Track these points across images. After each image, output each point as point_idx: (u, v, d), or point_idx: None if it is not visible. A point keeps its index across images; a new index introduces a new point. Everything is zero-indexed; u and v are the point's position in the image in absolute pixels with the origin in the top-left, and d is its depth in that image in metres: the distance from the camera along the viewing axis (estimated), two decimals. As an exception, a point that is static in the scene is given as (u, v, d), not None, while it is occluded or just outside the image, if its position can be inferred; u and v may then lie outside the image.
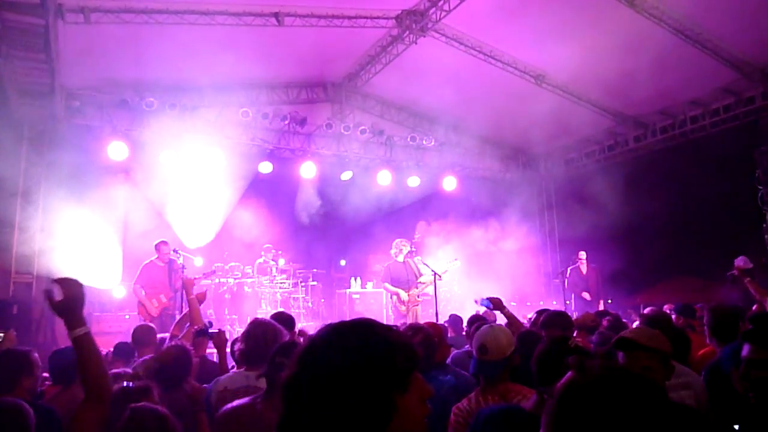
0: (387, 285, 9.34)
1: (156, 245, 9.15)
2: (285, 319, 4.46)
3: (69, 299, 2.22)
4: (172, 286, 8.94)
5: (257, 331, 3.51)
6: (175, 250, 9.12)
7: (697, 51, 9.76)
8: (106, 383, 2.28)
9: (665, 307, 8.48)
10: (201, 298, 5.15)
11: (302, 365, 1.21)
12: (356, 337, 1.22)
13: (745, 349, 2.40)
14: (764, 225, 10.78)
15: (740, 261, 6.09)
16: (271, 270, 11.37)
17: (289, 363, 1.24)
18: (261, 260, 11.52)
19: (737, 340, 3.34)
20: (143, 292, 8.82)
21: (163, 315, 8.76)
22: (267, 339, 3.40)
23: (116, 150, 10.51)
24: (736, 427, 2.58)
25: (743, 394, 2.73)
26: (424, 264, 9.27)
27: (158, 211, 11.30)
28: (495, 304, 5.13)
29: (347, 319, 1.32)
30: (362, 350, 1.19)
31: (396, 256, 9.43)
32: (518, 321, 5.06)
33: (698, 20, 9.29)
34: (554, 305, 12.25)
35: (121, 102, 10.48)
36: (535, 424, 2.12)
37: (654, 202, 10.75)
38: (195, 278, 7.78)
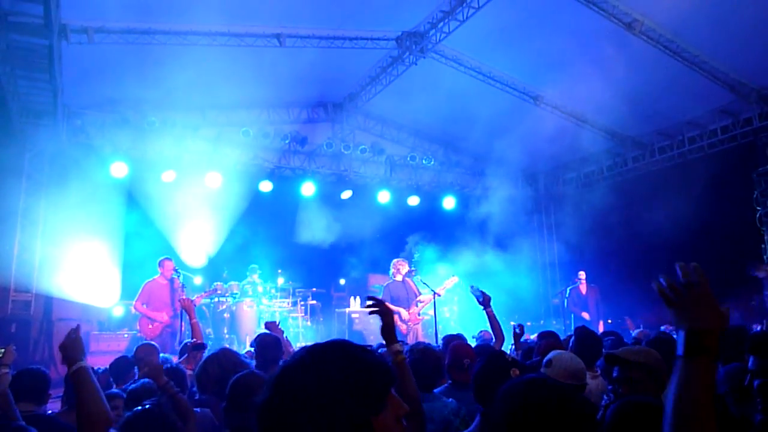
0: (387, 305, 9.30)
1: (160, 262, 9.13)
2: (271, 342, 4.45)
3: (68, 341, 2.32)
4: (173, 305, 8.90)
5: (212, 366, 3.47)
6: (175, 269, 9.10)
7: (694, 73, 9.87)
8: (100, 418, 2.28)
9: (662, 327, 8.46)
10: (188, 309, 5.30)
11: (276, 389, 1.19)
12: (330, 359, 1.21)
13: (751, 362, 2.48)
14: (763, 246, 10.78)
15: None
16: (259, 289, 11.19)
17: (265, 387, 1.23)
18: (247, 281, 11.31)
19: (738, 363, 3.33)
20: (145, 306, 8.80)
21: (164, 333, 8.72)
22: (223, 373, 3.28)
23: (117, 168, 10.56)
24: None
25: (739, 416, 2.75)
26: (423, 283, 9.26)
27: (158, 230, 11.30)
28: (485, 299, 5.27)
29: (345, 337, 1.33)
30: (337, 372, 1.18)
31: (395, 276, 9.41)
32: (498, 326, 5.20)
33: (694, 42, 9.40)
34: (554, 325, 12.21)
35: (123, 121, 10.56)
36: None
37: (653, 222, 10.75)
38: (194, 300, 7.81)
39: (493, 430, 1.66)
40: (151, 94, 10.09)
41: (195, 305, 8.44)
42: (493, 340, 5.75)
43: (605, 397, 3.33)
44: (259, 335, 4.71)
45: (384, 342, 2.53)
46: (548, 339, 4.74)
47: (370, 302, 2.57)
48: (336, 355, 1.22)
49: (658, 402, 1.80)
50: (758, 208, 10.87)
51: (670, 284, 1.38)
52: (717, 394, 3.10)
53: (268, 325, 5.42)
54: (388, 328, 2.49)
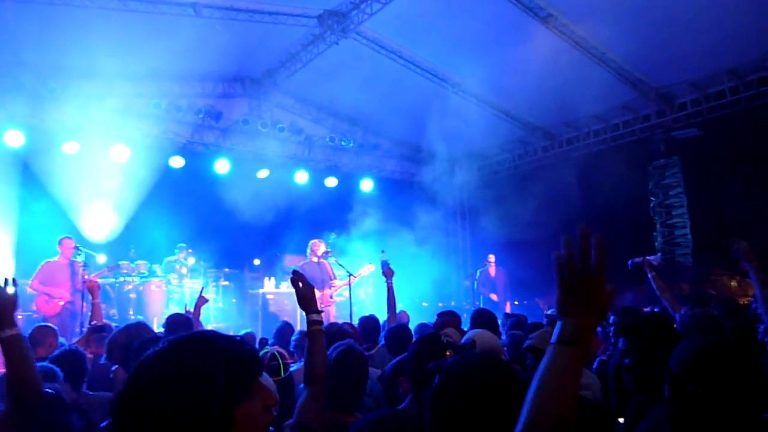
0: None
1: (59, 240, 8.58)
2: (182, 322, 4.34)
3: None
4: (73, 285, 8.41)
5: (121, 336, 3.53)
6: (76, 247, 8.58)
7: (602, 69, 10.43)
8: (32, 389, 2.20)
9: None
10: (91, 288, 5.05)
11: (132, 379, 1.17)
12: (190, 349, 1.20)
13: (620, 342, 2.64)
14: (654, 233, 11.67)
15: (654, 258, 6.55)
16: (179, 269, 10.92)
17: (126, 378, 1.21)
18: (172, 258, 11.02)
19: None
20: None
21: (63, 312, 8.23)
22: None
23: (12, 137, 9.75)
24: (621, 420, 2.82)
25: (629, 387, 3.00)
26: (340, 265, 9.28)
27: (58, 205, 10.57)
28: (387, 272, 5.54)
29: (259, 320, 1.31)
30: (194, 361, 1.17)
31: (311, 257, 9.38)
32: (394, 301, 5.46)
33: (603, 40, 9.92)
34: (464, 306, 12.65)
35: (18, 86, 9.72)
36: (414, 423, 2.22)
37: (560, 209, 11.34)
38: (96, 277, 7.42)
39: (436, 405, 1.69)
40: (51, 59, 9.37)
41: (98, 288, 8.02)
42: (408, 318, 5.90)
43: None
44: (170, 316, 4.55)
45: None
46: (444, 318, 4.98)
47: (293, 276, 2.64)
48: (195, 345, 1.21)
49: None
50: (652, 198, 11.74)
51: (569, 261, 1.38)
52: (616, 366, 3.35)
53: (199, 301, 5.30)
54: (305, 298, 2.59)
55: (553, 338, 1.35)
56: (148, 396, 1.13)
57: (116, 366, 3.39)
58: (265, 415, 1.23)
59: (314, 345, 2.50)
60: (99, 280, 6.22)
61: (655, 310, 6.46)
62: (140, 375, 1.17)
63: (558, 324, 1.36)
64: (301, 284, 2.60)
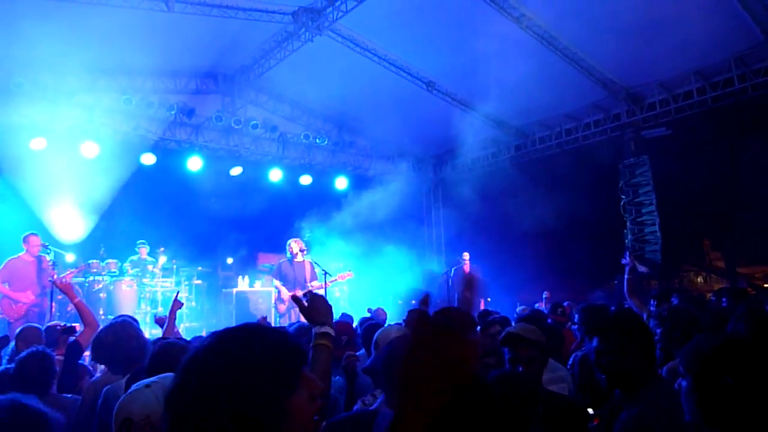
0: (277, 282, 9.32)
1: (24, 237, 8.36)
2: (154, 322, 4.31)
3: None
4: (40, 283, 8.21)
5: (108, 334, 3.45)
6: (45, 245, 8.38)
7: (573, 69, 10.58)
8: None
9: (537, 305, 9.13)
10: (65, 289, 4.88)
11: (185, 375, 1.16)
12: (240, 342, 1.19)
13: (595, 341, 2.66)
14: (624, 231, 11.90)
15: (641, 268, 6.70)
16: (149, 268, 10.75)
17: (175, 374, 1.20)
18: (135, 257, 10.83)
19: None
20: (7, 286, 8.04)
21: (29, 314, 8.02)
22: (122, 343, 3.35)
23: (-25, 133, 9.48)
24: (591, 411, 2.91)
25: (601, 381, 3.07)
26: (315, 263, 9.26)
27: (25, 202, 10.31)
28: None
29: (233, 319, 1.30)
30: (246, 354, 1.16)
31: (288, 255, 9.35)
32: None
33: (575, 41, 10.07)
34: (439, 304, 12.70)
35: (-17, 80, 9.47)
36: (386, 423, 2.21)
37: (533, 207, 11.49)
38: (64, 276, 7.26)
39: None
40: (18, 53, 9.11)
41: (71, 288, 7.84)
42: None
43: None
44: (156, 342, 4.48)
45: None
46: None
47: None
48: (245, 338, 1.21)
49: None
50: (622, 196, 11.96)
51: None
52: (584, 361, 3.42)
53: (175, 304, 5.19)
54: (308, 311, 2.36)
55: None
56: (202, 391, 1.11)
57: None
58: (312, 404, 1.24)
59: (317, 359, 2.21)
60: (72, 279, 6.02)
61: (625, 305, 6.61)
62: (192, 370, 1.16)
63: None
64: (305, 302, 2.39)
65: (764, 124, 10.73)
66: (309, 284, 9.16)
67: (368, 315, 7.27)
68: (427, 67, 11.52)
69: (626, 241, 11.81)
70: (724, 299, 6.14)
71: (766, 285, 14.86)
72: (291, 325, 4.79)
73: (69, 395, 3.58)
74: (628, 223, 11.87)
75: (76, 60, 9.50)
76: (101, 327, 3.68)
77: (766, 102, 9.97)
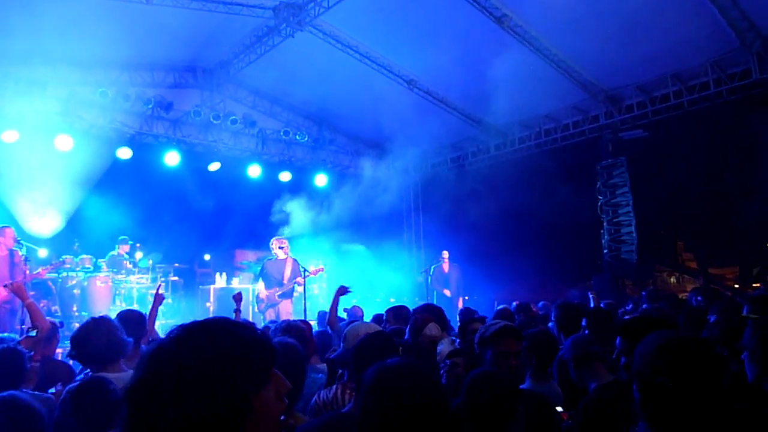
0: (260, 280, 9.27)
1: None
2: (135, 319, 4.22)
3: None
4: (12, 278, 8.01)
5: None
6: (17, 239, 8.18)
7: (553, 70, 10.67)
8: None
9: (513, 303, 9.16)
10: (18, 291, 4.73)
11: (148, 366, 1.13)
12: (207, 335, 1.16)
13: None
14: (601, 231, 12.05)
15: None
16: (125, 264, 10.58)
17: (137, 366, 1.16)
18: (114, 252, 10.66)
19: (580, 332, 3.80)
20: None
21: (0, 310, 7.83)
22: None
23: (-56, 124, 9.23)
24: (559, 409, 3.01)
25: (576, 379, 3.14)
26: (296, 261, 9.20)
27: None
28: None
29: (210, 315, 1.27)
30: (213, 347, 1.14)
31: (278, 257, 9.24)
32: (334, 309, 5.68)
33: (555, 42, 10.15)
34: (416, 301, 12.73)
35: (-47, 70, 9.22)
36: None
37: (513, 206, 11.58)
38: (39, 272, 7.11)
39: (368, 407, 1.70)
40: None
41: (41, 277, 7.71)
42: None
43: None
44: (122, 311, 4.40)
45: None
46: (425, 313, 4.98)
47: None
48: (213, 331, 1.17)
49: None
50: (600, 197, 12.11)
51: None
52: (562, 359, 3.47)
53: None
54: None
55: None
56: (165, 384, 1.08)
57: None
58: (279, 403, 1.22)
59: None
60: (46, 276, 5.85)
61: (602, 305, 6.73)
62: (156, 362, 1.12)
63: None
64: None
65: (738, 128, 10.95)
66: (294, 281, 9.07)
67: (344, 314, 7.25)
68: (408, 65, 11.51)
69: (603, 241, 11.97)
70: (698, 298, 6.43)
71: (736, 285, 15.18)
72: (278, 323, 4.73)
73: (42, 393, 3.51)
74: (605, 224, 12.02)
75: (51, 50, 9.32)
76: (78, 326, 3.59)
77: (740, 106, 10.16)
